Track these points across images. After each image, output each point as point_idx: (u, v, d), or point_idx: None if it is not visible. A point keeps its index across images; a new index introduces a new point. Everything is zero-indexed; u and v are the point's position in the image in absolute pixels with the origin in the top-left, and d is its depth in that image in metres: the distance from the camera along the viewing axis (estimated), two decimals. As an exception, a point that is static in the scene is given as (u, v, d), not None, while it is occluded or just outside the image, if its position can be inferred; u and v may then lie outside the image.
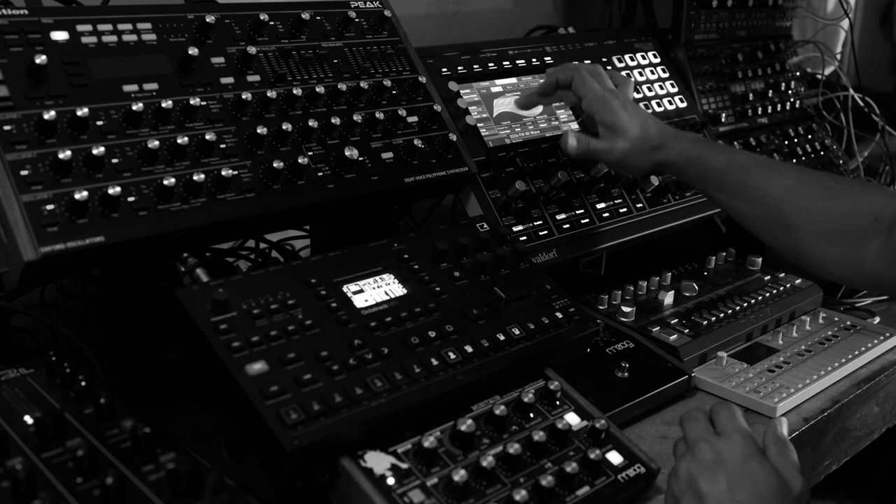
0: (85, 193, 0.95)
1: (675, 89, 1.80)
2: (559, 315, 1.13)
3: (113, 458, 0.90)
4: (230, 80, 1.14)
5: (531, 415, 1.05)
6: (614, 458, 1.03)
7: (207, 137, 1.06)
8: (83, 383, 1.00)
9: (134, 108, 1.03)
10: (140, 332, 1.22)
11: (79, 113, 0.99)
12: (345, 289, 1.04)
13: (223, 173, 1.06)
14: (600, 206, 1.51)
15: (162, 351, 1.28)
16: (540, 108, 1.55)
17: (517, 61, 1.58)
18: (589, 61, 1.69)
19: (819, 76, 2.12)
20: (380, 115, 1.23)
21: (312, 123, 1.15)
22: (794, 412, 1.26)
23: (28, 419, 0.95)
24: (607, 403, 1.14)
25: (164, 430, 0.95)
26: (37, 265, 0.93)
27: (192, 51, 1.10)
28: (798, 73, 2.11)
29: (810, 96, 2.11)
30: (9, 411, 0.97)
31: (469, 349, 1.03)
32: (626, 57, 1.77)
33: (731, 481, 0.91)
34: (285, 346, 0.93)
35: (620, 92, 1.38)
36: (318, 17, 1.27)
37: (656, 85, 1.77)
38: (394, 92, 1.28)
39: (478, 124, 1.45)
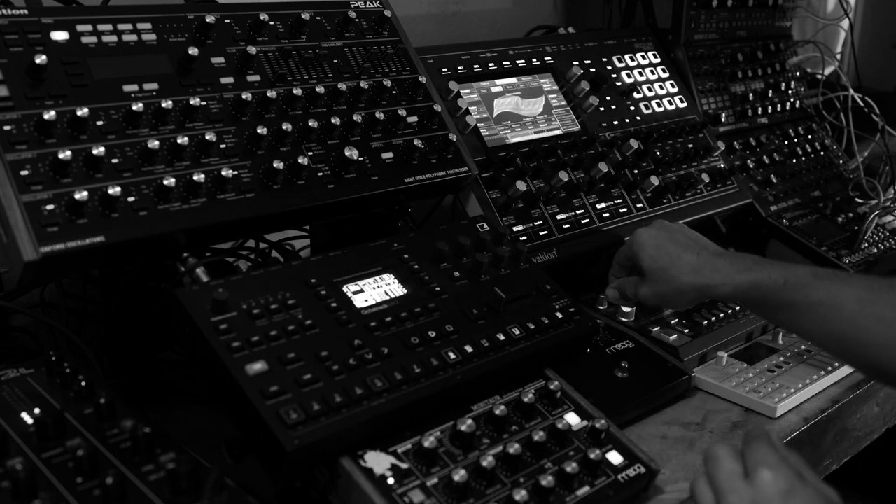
0: (85, 193, 0.95)
1: (675, 89, 1.80)
2: (559, 315, 1.13)
3: (113, 458, 0.90)
4: (230, 80, 1.14)
5: (531, 415, 1.05)
6: (614, 458, 1.03)
7: (207, 137, 1.06)
8: (83, 383, 1.00)
9: (134, 108, 1.03)
10: (140, 332, 1.22)
11: (79, 113, 0.99)
12: (345, 289, 1.04)
13: (223, 173, 1.06)
14: (600, 206, 1.51)
15: (162, 351, 1.28)
16: (542, 105, 1.55)
17: (517, 61, 1.59)
18: (588, 61, 1.70)
19: (819, 76, 2.12)
20: (380, 115, 1.23)
21: (312, 123, 1.15)
22: (794, 412, 1.26)
23: (28, 419, 0.95)
24: (607, 403, 1.14)
25: (164, 430, 0.95)
26: (37, 265, 0.93)
27: (192, 51, 1.10)
28: (798, 73, 2.11)
29: (810, 96, 2.11)
30: (9, 411, 0.97)
31: (469, 349, 1.03)
32: (626, 57, 1.77)
33: None
34: (285, 346, 0.93)
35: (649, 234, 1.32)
36: (318, 17, 1.27)
37: (656, 85, 1.77)
38: (394, 92, 1.28)
39: (478, 124, 1.45)
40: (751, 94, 1.94)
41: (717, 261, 1.23)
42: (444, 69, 1.47)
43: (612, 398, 1.17)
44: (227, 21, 1.18)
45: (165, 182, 1.01)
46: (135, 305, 1.20)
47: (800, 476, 0.83)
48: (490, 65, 1.54)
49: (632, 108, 1.70)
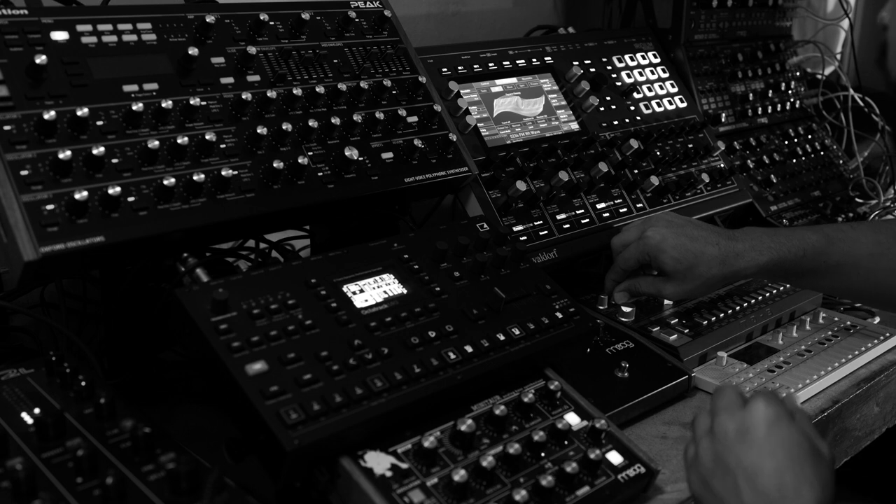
0: (85, 193, 0.95)
1: (675, 89, 1.80)
2: (559, 315, 1.13)
3: (113, 458, 0.90)
4: (230, 80, 1.14)
5: (531, 415, 1.05)
6: (614, 458, 1.03)
7: (207, 137, 1.06)
8: (83, 383, 1.00)
9: (134, 108, 1.03)
10: (140, 332, 1.22)
11: (79, 113, 0.99)
12: (345, 289, 1.04)
13: (223, 173, 1.06)
14: (600, 206, 1.51)
15: (162, 351, 1.28)
16: (542, 105, 1.55)
17: (517, 61, 1.59)
18: (588, 61, 1.70)
19: (819, 76, 2.12)
20: (380, 115, 1.23)
21: (312, 123, 1.15)
22: (794, 412, 1.26)
23: (28, 419, 0.95)
24: (607, 403, 1.14)
25: (164, 430, 0.95)
26: (37, 265, 0.93)
27: (192, 51, 1.10)
28: (798, 73, 2.11)
29: (810, 96, 2.11)
30: (9, 411, 0.97)
31: (469, 349, 1.03)
32: (626, 57, 1.77)
33: (761, 449, 0.85)
34: (285, 346, 0.93)
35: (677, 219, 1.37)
36: (318, 17, 1.27)
37: (656, 85, 1.77)
38: (394, 92, 1.28)
39: (478, 124, 1.45)
40: (751, 94, 1.94)
41: (736, 245, 1.31)
42: (444, 69, 1.47)
43: (612, 398, 1.17)
44: (227, 21, 1.18)
45: (165, 182, 1.01)
46: (135, 305, 1.20)
47: (790, 415, 0.89)
48: (490, 65, 1.54)
49: (632, 108, 1.70)
